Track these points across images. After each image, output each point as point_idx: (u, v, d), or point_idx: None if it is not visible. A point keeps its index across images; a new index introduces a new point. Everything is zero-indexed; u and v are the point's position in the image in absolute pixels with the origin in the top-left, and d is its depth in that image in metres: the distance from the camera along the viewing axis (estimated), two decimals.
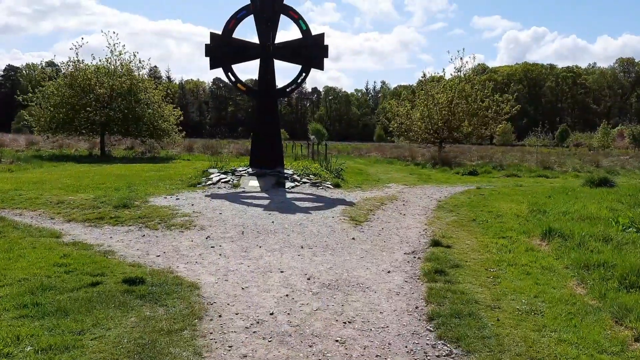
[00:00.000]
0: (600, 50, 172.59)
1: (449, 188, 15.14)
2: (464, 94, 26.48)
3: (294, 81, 13.82)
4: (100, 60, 24.99)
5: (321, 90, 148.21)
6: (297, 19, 13.51)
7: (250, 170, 13.81)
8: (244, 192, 12.31)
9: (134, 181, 13.82)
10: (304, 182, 13.25)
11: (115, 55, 25.04)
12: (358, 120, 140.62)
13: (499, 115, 27.08)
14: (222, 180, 13.09)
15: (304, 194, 12.25)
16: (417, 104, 28.25)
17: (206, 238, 7.94)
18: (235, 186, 12.68)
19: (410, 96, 30.40)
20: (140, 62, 25.53)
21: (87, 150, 28.15)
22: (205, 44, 13.71)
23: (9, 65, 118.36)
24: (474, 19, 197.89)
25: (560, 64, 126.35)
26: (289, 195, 11.88)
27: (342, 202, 11.34)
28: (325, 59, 13.56)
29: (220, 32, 13.73)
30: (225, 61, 13.72)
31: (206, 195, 11.56)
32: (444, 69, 37.55)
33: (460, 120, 26.76)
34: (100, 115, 23.79)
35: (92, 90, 23.73)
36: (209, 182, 13.09)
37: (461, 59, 26.96)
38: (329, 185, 13.26)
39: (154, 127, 25.27)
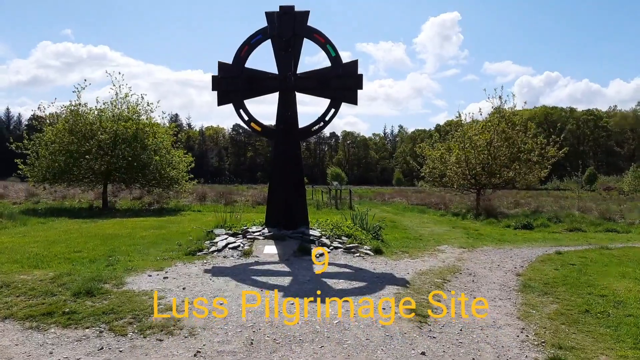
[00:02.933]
0: (614, 94, 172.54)
1: (516, 251, 12.04)
2: (504, 136, 23.54)
3: (321, 119, 11.06)
4: (104, 104, 22.75)
5: (339, 134, 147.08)
6: (324, 43, 10.89)
7: (266, 231, 10.91)
8: (257, 262, 9.38)
9: (121, 246, 11.03)
10: (336, 247, 10.28)
11: (121, 98, 22.76)
12: (376, 164, 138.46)
13: (545, 159, 24.00)
14: (230, 246, 10.20)
15: (338, 265, 9.25)
16: (452, 147, 25.33)
17: (195, 355, 5.02)
18: (246, 254, 9.77)
19: (441, 138, 27.52)
20: (148, 105, 23.23)
21: (89, 202, 25.61)
22: (213, 76, 11.14)
23: (33, 114, 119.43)
24: (485, 64, 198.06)
25: (577, 107, 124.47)
26: (317, 269, 8.90)
27: (391, 279, 8.32)
28: (359, 91, 10.83)
29: (230, 62, 11.15)
30: (237, 95, 11.09)
31: (206, 271, 8.64)
32: (480, 109, 34.71)
33: (502, 164, 23.72)
34: (101, 164, 21.31)
35: (94, 136, 21.36)
36: (213, 247, 10.21)
37: (500, 97, 24.23)
38: (368, 251, 10.26)
39: (161, 175, 22.69)
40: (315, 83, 10.95)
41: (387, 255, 10.34)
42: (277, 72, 11.12)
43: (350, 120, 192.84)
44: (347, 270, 8.90)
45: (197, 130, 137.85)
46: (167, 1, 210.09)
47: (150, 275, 8.21)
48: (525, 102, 30.17)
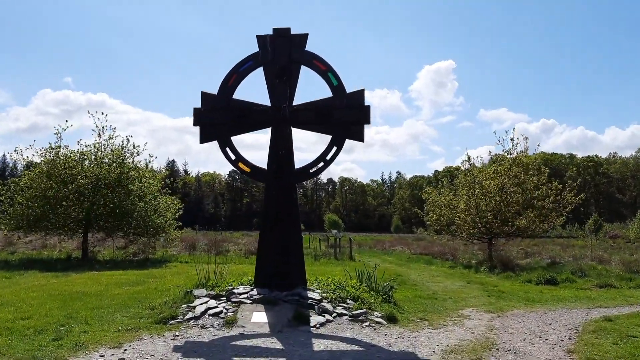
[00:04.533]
0: (610, 141, 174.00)
1: (552, 315, 10.15)
2: (516, 180, 21.94)
3: (321, 158, 9.38)
4: (87, 146, 21.13)
5: (336, 180, 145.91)
6: (324, 71, 9.36)
7: (254, 292, 9.03)
8: (242, 335, 7.49)
9: (81, 310, 9.14)
10: (340, 314, 8.38)
11: (104, 140, 21.18)
12: (374, 211, 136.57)
13: (561, 205, 22.31)
14: (210, 312, 8.31)
15: (344, 340, 7.34)
16: (460, 193, 23.67)
17: None
18: (229, 323, 7.88)
19: (447, 183, 25.89)
20: (134, 148, 21.60)
21: (68, 252, 23.63)
22: (195, 109, 9.55)
23: (28, 161, 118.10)
24: (480, 111, 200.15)
25: (576, 154, 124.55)
26: (317, 346, 6.99)
27: None
28: (366, 126, 9.22)
29: (215, 93, 9.59)
30: (222, 131, 9.47)
31: (175, 349, 6.74)
32: (490, 152, 33.25)
33: (515, 211, 22.01)
34: (80, 211, 19.50)
35: (74, 181, 19.64)
36: (190, 314, 8.33)
37: (511, 139, 22.76)
38: (380, 319, 8.36)
39: (145, 223, 20.83)
40: (314, 116, 9.34)
41: (403, 325, 8.43)
42: (269, 104, 9.54)
43: (347, 166, 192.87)
44: (356, 347, 6.99)
45: (194, 176, 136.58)
46: (166, 50, 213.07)
47: (102, 356, 6.34)
48: (538, 145, 28.63)
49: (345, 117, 9.15)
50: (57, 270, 17.31)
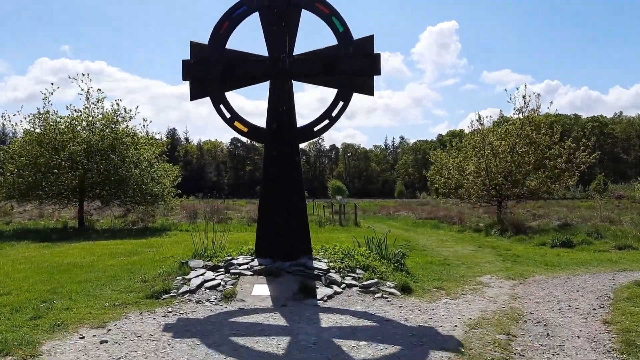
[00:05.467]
0: (614, 100, 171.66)
1: (577, 280, 9.39)
2: (528, 140, 20.99)
3: (326, 115, 8.45)
4: (76, 111, 20.13)
5: (339, 147, 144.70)
6: (328, 14, 8.34)
7: (255, 263, 8.25)
8: (241, 310, 6.75)
9: (68, 284, 8.42)
10: (349, 285, 7.62)
11: (92, 104, 20.16)
12: (378, 177, 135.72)
13: (574, 166, 21.40)
14: (207, 285, 7.56)
15: (355, 314, 6.58)
16: (469, 155, 22.74)
17: None
18: (227, 297, 7.14)
19: (459, 144, 24.92)
20: (126, 112, 20.60)
21: (65, 221, 22.96)
22: (183, 61, 8.59)
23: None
24: (483, 73, 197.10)
25: (581, 114, 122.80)
26: (325, 321, 6.25)
27: (434, 338, 5.67)
28: (376, 77, 8.27)
29: (206, 42, 8.62)
30: (215, 86, 8.53)
31: (167, 327, 6.00)
32: (501, 111, 32.09)
33: (526, 172, 21.14)
34: (72, 178, 18.69)
35: (65, 148, 18.77)
36: (185, 287, 7.58)
37: (523, 97, 21.68)
38: (393, 290, 7.59)
39: (142, 191, 20.04)
40: (317, 67, 8.34)
41: (419, 295, 7.67)
42: (267, 55, 8.57)
43: (350, 132, 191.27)
44: (368, 323, 6.24)
45: (195, 144, 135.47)
46: (163, 16, 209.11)
47: (82, 338, 5.60)
48: (551, 102, 27.36)
49: (352, 67, 8.17)
50: (51, 240, 16.66)
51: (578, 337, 5.95)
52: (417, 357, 5.05)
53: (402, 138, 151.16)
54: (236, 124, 8.61)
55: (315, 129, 8.59)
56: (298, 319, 6.29)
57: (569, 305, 7.39)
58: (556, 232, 17.60)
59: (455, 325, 6.14)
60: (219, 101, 8.53)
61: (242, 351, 5.19)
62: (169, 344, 5.39)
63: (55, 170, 18.40)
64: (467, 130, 23.23)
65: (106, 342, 5.45)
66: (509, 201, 23.26)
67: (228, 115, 8.60)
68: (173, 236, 18.32)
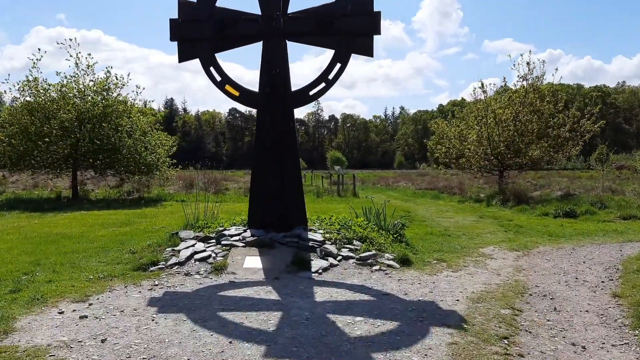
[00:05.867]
0: (616, 70, 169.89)
1: (583, 251, 9.06)
2: (532, 108, 20.44)
3: (323, 78, 7.96)
4: (66, 78, 19.52)
5: (338, 117, 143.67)
6: None
7: (247, 234, 7.89)
8: (232, 283, 6.41)
9: (52, 255, 8.08)
10: (346, 257, 7.27)
11: (82, 71, 19.53)
12: (377, 147, 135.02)
13: (579, 134, 20.91)
14: (197, 256, 7.21)
15: (351, 288, 6.23)
16: (471, 123, 22.22)
17: None
18: (217, 269, 6.79)
19: (460, 114, 24.38)
20: (118, 79, 19.98)
21: (59, 191, 22.58)
22: (171, 20, 8.06)
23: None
24: (485, 42, 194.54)
25: (584, 84, 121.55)
26: (320, 295, 5.91)
27: (434, 313, 5.34)
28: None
29: (195, 0, 8.07)
30: (205, 47, 8.02)
31: (152, 301, 5.66)
32: (504, 79, 31.44)
33: (529, 141, 20.65)
34: (64, 147, 18.23)
35: (56, 116, 18.25)
36: (174, 259, 7.23)
37: (528, 64, 21.03)
38: (391, 262, 7.25)
39: (136, 161, 19.59)
40: (313, 25, 7.80)
41: (419, 267, 7.33)
42: (260, 13, 8.03)
43: (349, 102, 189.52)
44: (365, 297, 5.90)
45: (193, 115, 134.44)
46: None
47: (61, 312, 5.27)
48: (556, 69, 26.60)
49: (350, 26, 7.64)
50: (44, 210, 16.32)
51: (587, 311, 5.63)
52: (416, 334, 4.71)
53: (402, 108, 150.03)
54: (227, 87, 8.13)
55: (311, 92, 8.11)
56: (291, 293, 5.96)
57: (576, 278, 7.06)
58: (559, 202, 17.25)
59: (457, 300, 5.80)
60: (209, 63, 8.04)
61: (230, 327, 4.86)
62: (152, 320, 5.06)
63: (47, 139, 17.92)
64: (469, 99, 22.68)
65: (86, 317, 5.12)
66: (510, 171, 22.85)
67: (218, 78, 8.11)
68: (168, 206, 17.98)
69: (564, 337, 4.85)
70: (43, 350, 4.28)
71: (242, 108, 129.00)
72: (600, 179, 29.71)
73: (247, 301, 5.68)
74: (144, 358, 4.15)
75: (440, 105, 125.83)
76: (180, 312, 5.31)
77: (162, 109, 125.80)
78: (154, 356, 4.19)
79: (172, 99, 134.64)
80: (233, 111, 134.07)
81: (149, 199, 20.97)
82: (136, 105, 20.84)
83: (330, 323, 4.98)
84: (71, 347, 4.37)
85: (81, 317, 5.10)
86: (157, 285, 6.31)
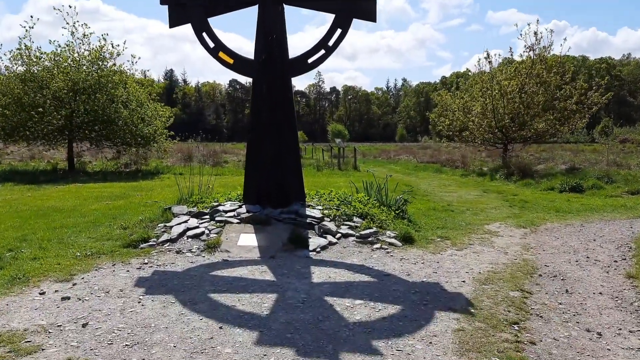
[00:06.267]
0: (621, 42, 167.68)
1: (592, 228, 8.72)
2: (538, 80, 19.89)
3: (322, 44, 7.50)
4: (59, 47, 18.94)
5: (340, 89, 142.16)
6: None
7: (243, 210, 7.54)
8: (225, 262, 6.09)
9: (40, 230, 7.76)
10: (346, 235, 6.93)
11: (78, 39, 18.95)
12: (379, 120, 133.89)
13: (586, 107, 20.38)
14: (190, 233, 6.88)
15: (350, 268, 5.91)
16: (475, 95, 21.68)
17: None
18: (210, 247, 6.46)
19: (464, 85, 23.80)
20: (113, 48, 19.41)
21: (55, 163, 22.25)
22: None
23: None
24: (488, 13, 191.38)
25: (589, 56, 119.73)
26: (317, 276, 5.58)
27: (439, 296, 5.01)
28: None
29: None
30: (197, 11, 7.54)
31: (139, 281, 5.35)
32: (510, 49, 30.65)
33: (534, 114, 20.16)
34: (58, 118, 17.80)
35: (49, 86, 17.77)
36: (165, 235, 6.91)
37: (535, 33, 20.37)
38: (393, 240, 6.91)
39: (132, 133, 19.17)
40: None
41: (422, 246, 6.99)
42: None
43: (351, 74, 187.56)
44: (366, 277, 5.57)
45: (193, 86, 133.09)
46: None
47: (43, 293, 4.96)
48: (565, 39, 25.88)
49: None
50: (39, 182, 16.01)
51: (600, 293, 5.31)
52: (420, 319, 4.40)
53: (404, 80, 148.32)
54: (221, 54, 7.68)
55: (310, 60, 7.65)
56: (287, 273, 5.64)
57: (587, 257, 6.73)
58: (564, 176, 16.88)
59: (463, 281, 5.48)
60: (202, 28, 7.57)
61: (221, 311, 4.54)
62: (139, 302, 4.75)
63: (40, 109, 17.47)
64: (474, 70, 22.06)
65: (68, 299, 4.81)
66: (515, 144, 22.42)
67: (212, 45, 7.66)
68: (165, 179, 17.66)
69: (577, 322, 4.54)
70: (19, 336, 3.97)
71: (242, 80, 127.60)
72: (605, 152, 29.29)
73: (241, 282, 5.36)
74: (126, 345, 3.84)
75: (443, 77, 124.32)
76: (169, 293, 5.00)
77: (162, 80, 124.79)
78: (138, 342, 3.89)
79: (171, 70, 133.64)
80: (233, 82, 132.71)
81: (147, 172, 20.65)
82: (132, 75, 20.31)
83: (328, 306, 4.67)
84: (49, 332, 4.06)
85: (63, 299, 4.80)
86: (146, 263, 5.99)
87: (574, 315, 4.71)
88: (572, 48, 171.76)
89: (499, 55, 21.85)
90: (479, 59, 22.76)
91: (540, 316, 4.63)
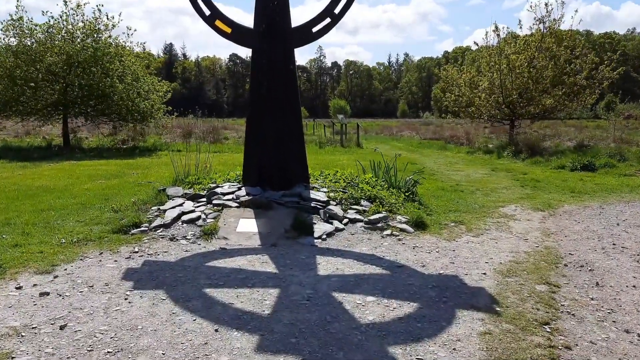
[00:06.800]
0: (625, 17, 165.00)
1: (612, 210, 8.21)
2: (548, 54, 19.16)
3: (327, 12, 6.87)
4: (52, 18, 18.19)
5: (341, 64, 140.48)
6: None
7: (242, 192, 7.02)
8: (223, 250, 5.59)
9: (26, 213, 7.26)
10: (353, 221, 6.42)
11: (72, 10, 18.18)
12: (380, 96, 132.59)
13: (596, 82, 19.67)
14: (185, 218, 6.38)
15: (359, 259, 5.38)
16: (482, 70, 20.94)
17: None
18: (207, 234, 5.96)
19: (470, 56, 23.04)
20: (108, 19, 18.65)
21: (50, 139, 21.67)
22: None
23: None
24: None
25: (593, 31, 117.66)
26: (324, 267, 5.09)
27: (459, 291, 4.51)
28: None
29: None
30: None
31: (127, 273, 4.85)
32: (520, 21, 29.73)
33: (543, 89, 19.47)
34: (52, 92, 17.18)
35: (43, 59, 17.11)
36: (158, 220, 6.40)
37: (546, 4, 19.53)
38: (405, 225, 6.40)
39: (128, 108, 18.55)
40: None
41: (435, 231, 6.48)
42: None
43: (352, 49, 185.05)
44: (377, 269, 5.08)
45: (193, 61, 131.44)
46: None
47: (19, 288, 4.48)
48: (576, 11, 24.96)
49: None
50: (32, 159, 15.49)
51: (634, 287, 4.83)
52: (440, 319, 3.92)
53: (406, 55, 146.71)
54: (217, 23, 7.07)
55: (314, 29, 7.06)
56: (290, 264, 5.15)
57: (613, 244, 6.24)
58: (573, 153, 16.35)
59: (484, 273, 4.99)
60: None
61: (217, 310, 4.07)
62: (125, 298, 4.27)
63: (32, 84, 16.84)
64: (481, 44, 21.26)
65: (47, 294, 4.33)
66: (522, 121, 21.78)
67: (207, 12, 7.04)
68: (163, 157, 17.12)
69: (614, 321, 4.06)
70: None
71: (243, 53, 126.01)
72: (609, 128, 28.66)
73: (239, 274, 4.87)
74: (108, 352, 3.37)
75: (446, 52, 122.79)
76: (160, 288, 4.52)
77: (161, 54, 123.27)
78: (122, 349, 3.42)
79: (171, 44, 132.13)
80: (233, 57, 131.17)
81: (144, 148, 20.10)
82: (128, 48, 19.59)
83: (337, 304, 4.18)
84: (22, 336, 3.59)
85: (41, 294, 4.31)
86: (136, 252, 5.50)
87: (609, 312, 4.23)
88: (575, 22, 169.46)
89: (507, 28, 20.93)
90: (487, 32, 21.91)
91: (572, 314, 4.15)
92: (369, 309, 4.10)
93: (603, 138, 23.08)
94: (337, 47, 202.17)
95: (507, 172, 13.65)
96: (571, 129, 35.84)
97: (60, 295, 4.32)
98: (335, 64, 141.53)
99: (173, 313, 4.00)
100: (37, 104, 17.62)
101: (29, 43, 17.66)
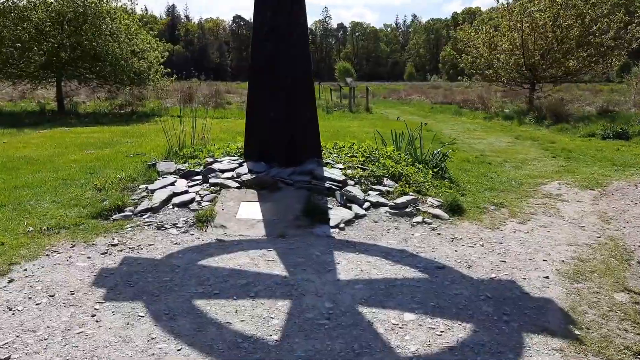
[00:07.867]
0: None
1: None
2: (574, 12, 17.74)
3: None
4: None
5: (347, 26, 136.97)
6: None
7: (243, 170, 5.98)
8: (220, 244, 4.60)
9: (0, 190, 6.30)
10: (376, 205, 5.38)
11: None
12: (387, 58, 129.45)
13: (625, 42, 18.30)
14: (176, 201, 5.37)
15: (387, 256, 4.34)
16: (502, 30, 19.52)
17: None
18: (201, 221, 4.97)
19: (488, 21, 21.60)
20: None
21: (44, 104, 20.55)
22: None
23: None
24: None
25: None
26: (345, 268, 4.08)
27: (522, 306, 3.49)
28: None
29: None
30: None
31: (99, 277, 3.86)
32: None
33: (568, 50, 18.12)
34: (40, 54, 16.00)
35: (29, 17, 15.87)
36: (145, 202, 5.40)
37: None
38: (438, 210, 5.35)
39: (124, 69, 17.35)
40: None
41: (474, 217, 5.44)
42: None
43: (358, 11, 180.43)
44: (412, 271, 4.06)
45: (196, 23, 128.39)
46: None
47: None
48: None
49: None
50: (22, 126, 14.46)
51: None
52: (505, 349, 2.94)
53: (414, 16, 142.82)
54: None
55: None
56: (302, 263, 4.15)
57: None
58: (602, 119, 15.16)
59: (546, 277, 3.99)
60: None
61: (210, 333, 3.10)
62: (93, 315, 3.30)
63: (19, 44, 15.65)
64: (494, 4, 19.83)
65: (10, 301, 3.38)
66: (543, 84, 20.47)
67: None
68: (161, 122, 16.00)
69: None
70: None
71: (247, 15, 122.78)
72: (628, 92, 27.18)
73: (239, 278, 3.89)
74: None
75: (455, 13, 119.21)
76: (138, 298, 3.55)
77: (164, 17, 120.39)
78: None
79: (173, 5, 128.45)
80: (237, 19, 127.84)
81: (142, 114, 18.99)
82: (123, 6, 18.28)
83: (366, 326, 3.21)
84: None
85: None
86: (115, 245, 4.53)
87: None
88: None
89: None
90: None
91: None
92: (409, 333, 3.12)
93: (620, 102, 21.77)
94: (343, 9, 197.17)
95: (533, 141, 12.55)
96: (586, 92, 34.31)
97: (10, 310, 3.36)
98: (341, 25, 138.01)
99: (152, 338, 3.04)
100: (27, 66, 16.46)
101: (16, 0, 16.38)
